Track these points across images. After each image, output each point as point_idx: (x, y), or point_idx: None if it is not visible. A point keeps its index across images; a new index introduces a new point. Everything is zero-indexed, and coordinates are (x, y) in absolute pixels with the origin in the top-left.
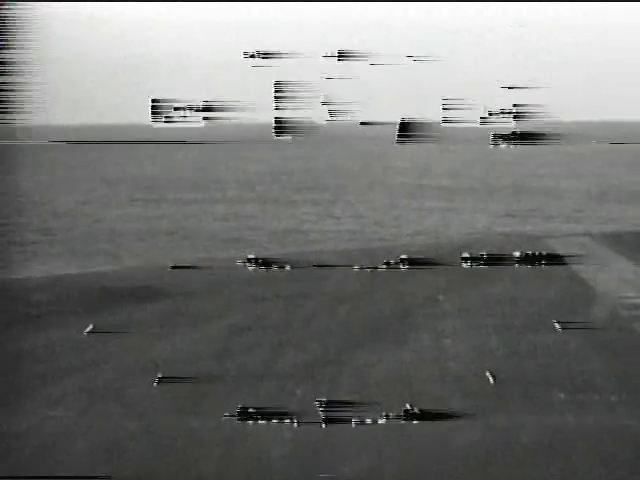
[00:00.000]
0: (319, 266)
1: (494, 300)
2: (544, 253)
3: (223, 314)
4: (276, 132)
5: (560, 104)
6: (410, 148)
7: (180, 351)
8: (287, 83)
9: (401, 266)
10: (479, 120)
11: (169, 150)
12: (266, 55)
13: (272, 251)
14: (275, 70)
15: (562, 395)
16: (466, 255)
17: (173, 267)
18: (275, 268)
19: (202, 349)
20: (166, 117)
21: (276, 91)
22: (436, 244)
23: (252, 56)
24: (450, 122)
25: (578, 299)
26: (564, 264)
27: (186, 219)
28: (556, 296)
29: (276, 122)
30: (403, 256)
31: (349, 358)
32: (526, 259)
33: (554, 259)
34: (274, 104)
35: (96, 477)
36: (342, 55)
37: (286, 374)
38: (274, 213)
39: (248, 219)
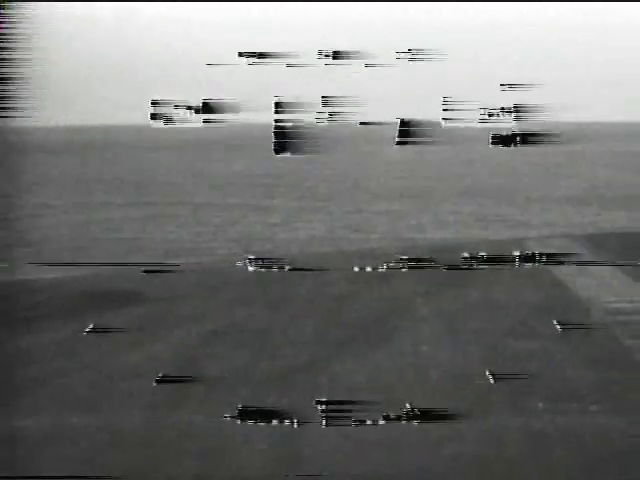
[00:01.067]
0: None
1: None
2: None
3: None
4: (276, 145)
5: (560, 104)
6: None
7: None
8: (287, 83)
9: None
10: (479, 120)
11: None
12: (262, 55)
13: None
14: (274, 70)
15: (538, 403)
16: (466, 255)
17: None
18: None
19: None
20: (165, 117)
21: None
22: (407, 247)
23: (249, 57)
24: (450, 122)
25: (558, 303)
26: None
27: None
28: (536, 300)
29: (276, 130)
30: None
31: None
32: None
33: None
34: (273, 105)
35: (96, 477)
36: (337, 55)
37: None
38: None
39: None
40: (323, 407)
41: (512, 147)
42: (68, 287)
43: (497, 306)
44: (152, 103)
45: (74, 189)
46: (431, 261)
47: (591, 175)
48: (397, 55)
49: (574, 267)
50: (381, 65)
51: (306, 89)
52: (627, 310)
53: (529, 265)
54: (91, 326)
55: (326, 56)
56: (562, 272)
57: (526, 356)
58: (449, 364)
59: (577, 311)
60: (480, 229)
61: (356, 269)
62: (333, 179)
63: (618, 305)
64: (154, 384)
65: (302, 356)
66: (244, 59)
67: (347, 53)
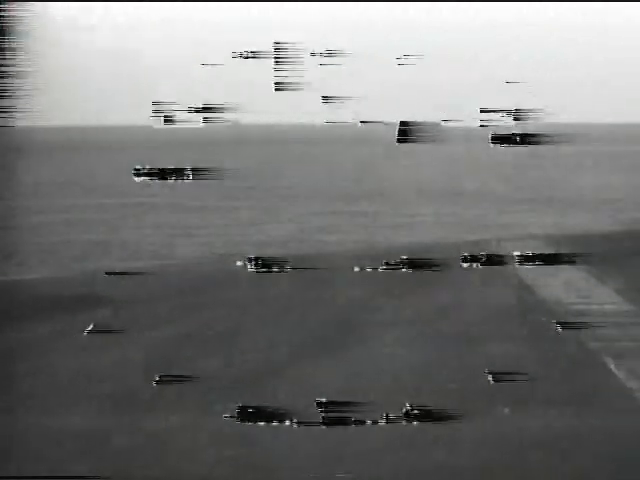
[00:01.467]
0: None
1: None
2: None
3: None
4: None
5: (560, 104)
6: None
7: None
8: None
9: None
10: (478, 120)
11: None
12: (255, 54)
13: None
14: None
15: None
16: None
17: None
18: None
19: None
20: (166, 118)
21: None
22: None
23: (246, 57)
24: (450, 122)
25: (521, 306)
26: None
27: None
28: (497, 302)
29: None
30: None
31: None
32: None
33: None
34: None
35: (96, 477)
36: (330, 54)
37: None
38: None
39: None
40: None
41: (509, 147)
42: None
43: (458, 308)
44: (153, 103)
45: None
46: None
47: (574, 178)
48: (397, 55)
49: (540, 268)
50: (381, 65)
51: (306, 88)
52: (591, 312)
53: (493, 266)
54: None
55: (318, 54)
56: (528, 273)
57: (484, 359)
58: (410, 368)
59: (540, 313)
60: (446, 231)
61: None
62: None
63: (582, 307)
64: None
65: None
66: (237, 59)
67: (341, 52)
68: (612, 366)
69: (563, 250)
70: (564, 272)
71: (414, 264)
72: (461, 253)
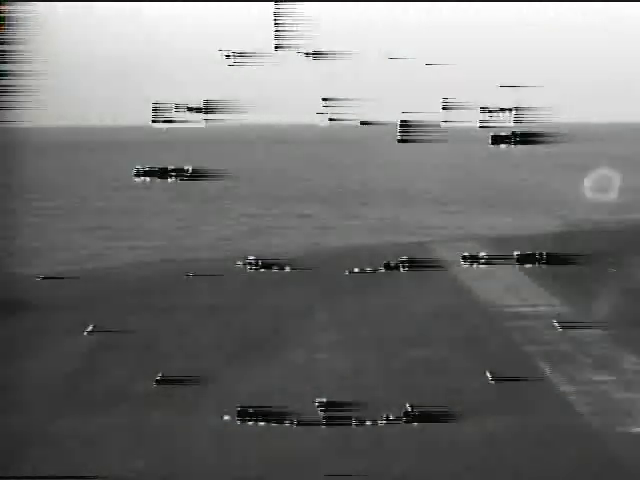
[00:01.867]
0: None
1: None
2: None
3: None
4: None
5: (560, 104)
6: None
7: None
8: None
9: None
10: (478, 120)
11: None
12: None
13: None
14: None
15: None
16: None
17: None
18: None
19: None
20: (166, 118)
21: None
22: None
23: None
24: (450, 122)
25: (459, 309)
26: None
27: None
28: (434, 306)
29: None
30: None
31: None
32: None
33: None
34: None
35: (96, 477)
36: (317, 54)
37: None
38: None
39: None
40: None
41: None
42: None
43: (394, 312)
44: (153, 103)
45: None
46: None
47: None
48: (396, 55)
49: (477, 270)
50: (381, 65)
51: (306, 88)
52: (527, 315)
53: (427, 269)
54: None
55: (307, 54)
56: (465, 276)
57: (418, 364)
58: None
59: (476, 316)
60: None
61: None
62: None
63: (519, 310)
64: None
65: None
66: (230, 59)
67: (333, 52)
68: (546, 370)
69: (499, 252)
70: (502, 274)
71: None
72: (396, 256)
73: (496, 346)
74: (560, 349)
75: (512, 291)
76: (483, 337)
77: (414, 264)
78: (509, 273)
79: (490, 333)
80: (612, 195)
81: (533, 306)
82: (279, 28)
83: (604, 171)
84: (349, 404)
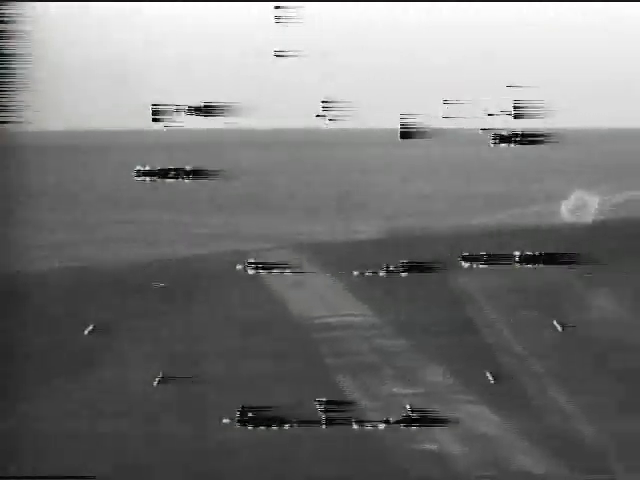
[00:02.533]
0: None
1: None
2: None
3: None
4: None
5: (560, 105)
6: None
7: None
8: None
9: None
10: (478, 120)
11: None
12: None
13: None
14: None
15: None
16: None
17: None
18: None
19: None
20: (166, 120)
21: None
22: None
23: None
24: (450, 122)
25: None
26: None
27: None
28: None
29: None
30: None
31: None
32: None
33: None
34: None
35: (96, 477)
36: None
37: None
38: None
39: None
40: None
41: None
42: None
43: (198, 324)
44: (152, 105)
45: None
46: None
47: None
48: (396, 55)
49: (290, 280)
50: (382, 65)
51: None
52: (335, 325)
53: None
54: None
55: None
56: (277, 285)
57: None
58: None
59: (284, 328)
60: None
61: None
62: None
63: (328, 320)
64: None
65: None
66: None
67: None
68: (344, 380)
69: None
70: (313, 283)
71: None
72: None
73: (299, 360)
74: (365, 360)
75: (322, 301)
76: (286, 351)
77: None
78: (321, 281)
79: (295, 346)
80: (588, 218)
81: (340, 316)
82: (279, 28)
83: (580, 194)
84: None
